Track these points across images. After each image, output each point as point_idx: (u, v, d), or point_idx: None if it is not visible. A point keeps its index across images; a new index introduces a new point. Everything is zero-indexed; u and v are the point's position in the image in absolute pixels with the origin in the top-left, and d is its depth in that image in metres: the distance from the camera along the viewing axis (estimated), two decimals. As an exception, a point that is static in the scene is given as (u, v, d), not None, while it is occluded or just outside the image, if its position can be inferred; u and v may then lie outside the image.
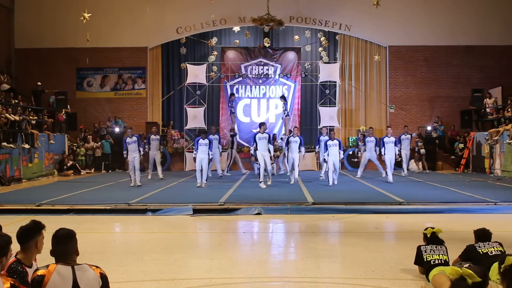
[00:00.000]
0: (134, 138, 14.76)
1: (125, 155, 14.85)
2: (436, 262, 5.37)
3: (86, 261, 3.57)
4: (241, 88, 23.04)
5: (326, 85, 22.41)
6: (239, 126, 21.95)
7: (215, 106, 23.10)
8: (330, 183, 14.52)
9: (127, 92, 22.92)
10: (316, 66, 22.47)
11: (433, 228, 5.77)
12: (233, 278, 5.76)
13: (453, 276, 3.80)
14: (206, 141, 14.50)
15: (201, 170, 14.29)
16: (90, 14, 16.69)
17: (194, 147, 15.43)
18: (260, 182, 14.07)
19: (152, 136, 16.87)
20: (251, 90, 23.04)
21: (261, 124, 14.64)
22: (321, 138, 16.17)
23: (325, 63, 22.30)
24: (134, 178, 14.66)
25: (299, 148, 15.00)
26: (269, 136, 14.63)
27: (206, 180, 14.40)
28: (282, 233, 8.95)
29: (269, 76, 22.80)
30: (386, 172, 15.77)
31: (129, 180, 14.90)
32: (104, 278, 3.41)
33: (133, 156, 14.61)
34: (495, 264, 4.70)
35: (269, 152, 14.30)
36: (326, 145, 14.81)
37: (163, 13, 22.22)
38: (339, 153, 14.73)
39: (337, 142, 14.84)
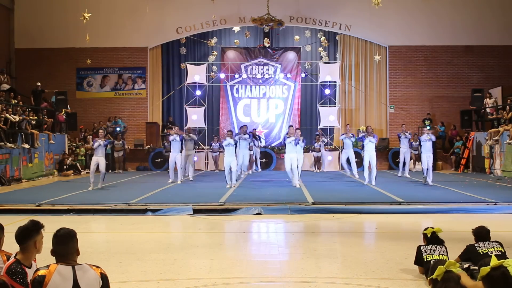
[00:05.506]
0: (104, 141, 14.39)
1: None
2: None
3: (86, 261, 3.57)
4: (241, 88, 23.05)
5: (326, 85, 22.41)
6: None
7: (215, 106, 23.10)
8: (366, 181, 14.50)
9: (127, 92, 22.92)
10: (316, 66, 22.48)
11: (433, 228, 5.77)
12: (233, 278, 5.76)
13: (439, 274, 3.81)
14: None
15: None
16: (90, 14, 16.70)
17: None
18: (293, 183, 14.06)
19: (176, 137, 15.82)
20: (251, 90, 23.05)
21: (290, 127, 15.26)
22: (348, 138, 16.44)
23: (325, 63, 22.31)
24: (93, 181, 13.97)
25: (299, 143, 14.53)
26: (297, 139, 14.20)
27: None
28: (282, 233, 8.94)
29: (269, 76, 22.81)
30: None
31: (127, 181, 14.84)
32: (104, 278, 3.41)
33: (98, 159, 14.11)
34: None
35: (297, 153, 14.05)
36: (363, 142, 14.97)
37: (163, 13, 22.21)
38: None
39: (375, 139, 14.86)
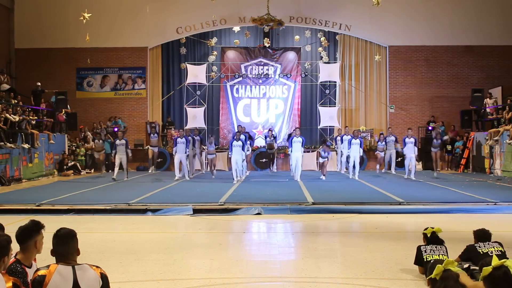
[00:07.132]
0: (123, 141, 16.70)
1: (113, 154, 17.06)
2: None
3: (86, 261, 3.57)
4: (241, 88, 23.04)
5: (326, 85, 22.41)
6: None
7: (215, 106, 23.10)
8: (351, 176, 16.70)
9: (127, 92, 22.91)
10: (316, 66, 22.47)
11: (433, 228, 5.77)
12: (233, 278, 5.76)
13: (438, 273, 3.81)
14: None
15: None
16: (90, 14, 16.69)
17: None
18: (294, 177, 16.10)
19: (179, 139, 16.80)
20: (251, 90, 23.04)
21: (296, 128, 17.14)
22: (344, 137, 18.25)
23: (325, 63, 22.31)
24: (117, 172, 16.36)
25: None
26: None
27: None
28: (282, 233, 8.94)
29: (269, 76, 22.80)
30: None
31: (127, 181, 14.92)
32: (104, 278, 3.41)
33: (120, 156, 16.59)
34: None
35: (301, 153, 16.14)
36: (350, 143, 16.93)
37: (163, 13, 22.21)
38: (360, 150, 16.92)
39: (359, 141, 16.88)
